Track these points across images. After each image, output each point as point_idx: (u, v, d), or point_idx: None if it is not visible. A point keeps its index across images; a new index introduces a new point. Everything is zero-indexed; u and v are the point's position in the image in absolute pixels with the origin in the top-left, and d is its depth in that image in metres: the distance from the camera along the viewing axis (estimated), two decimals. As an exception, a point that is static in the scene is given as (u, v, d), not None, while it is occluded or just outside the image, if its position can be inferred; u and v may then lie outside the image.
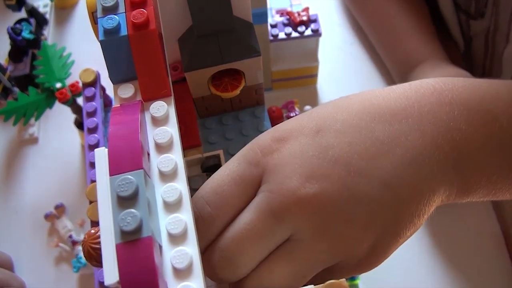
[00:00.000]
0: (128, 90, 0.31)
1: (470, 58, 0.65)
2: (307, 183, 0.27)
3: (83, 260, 0.56)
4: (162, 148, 0.29)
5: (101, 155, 0.27)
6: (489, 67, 0.62)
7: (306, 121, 0.29)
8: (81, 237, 0.59)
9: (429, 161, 0.28)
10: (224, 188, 0.29)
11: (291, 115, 0.53)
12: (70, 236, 0.58)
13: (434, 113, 0.29)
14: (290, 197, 0.26)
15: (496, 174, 0.31)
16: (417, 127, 0.29)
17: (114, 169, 0.26)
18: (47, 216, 0.60)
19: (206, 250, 0.29)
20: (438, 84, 0.31)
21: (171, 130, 0.29)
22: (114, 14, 0.31)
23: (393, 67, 0.65)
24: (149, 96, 0.30)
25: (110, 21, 0.30)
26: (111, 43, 0.30)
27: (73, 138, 0.65)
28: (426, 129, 0.29)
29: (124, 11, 0.31)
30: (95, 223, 0.39)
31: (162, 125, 0.30)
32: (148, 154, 0.29)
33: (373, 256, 0.28)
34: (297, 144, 0.28)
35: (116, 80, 0.32)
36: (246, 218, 0.28)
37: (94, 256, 0.32)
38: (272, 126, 0.49)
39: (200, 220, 0.28)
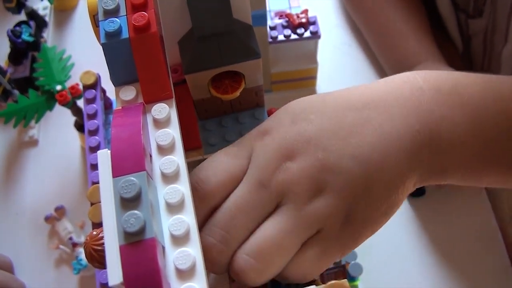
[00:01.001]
0: (129, 93, 0.31)
1: (469, 58, 0.65)
2: (287, 159, 0.31)
3: (84, 262, 0.57)
4: (164, 150, 0.29)
5: (104, 157, 0.27)
6: (487, 66, 0.62)
7: (284, 116, 0.33)
8: (82, 239, 0.59)
9: (398, 140, 0.31)
10: (217, 158, 0.33)
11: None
12: (71, 238, 0.59)
13: (404, 98, 0.32)
14: (274, 171, 0.31)
15: (472, 154, 0.33)
16: (386, 111, 0.32)
17: (117, 171, 0.26)
18: (47, 218, 0.60)
19: (202, 233, 0.30)
20: (412, 75, 0.34)
21: (173, 132, 0.29)
22: (116, 17, 0.31)
23: (390, 68, 0.65)
24: (151, 98, 0.31)
25: (111, 24, 0.30)
26: (112, 46, 0.30)
27: (73, 140, 0.65)
28: (395, 112, 0.32)
29: (125, 14, 0.31)
30: (96, 225, 0.39)
31: (164, 127, 0.30)
32: (150, 156, 0.29)
33: (351, 226, 0.31)
34: (277, 132, 0.32)
35: (118, 82, 0.32)
36: (237, 191, 0.31)
37: (96, 258, 0.32)
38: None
39: (196, 184, 0.31)
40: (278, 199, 0.30)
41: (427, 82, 0.33)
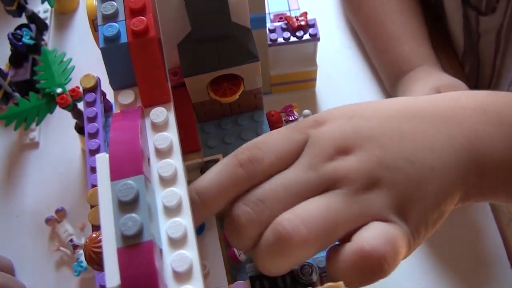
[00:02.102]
0: (128, 97, 0.31)
1: (475, 57, 0.65)
2: (342, 153, 0.31)
3: (84, 264, 0.57)
4: (162, 153, 0.30)
5: (102, 160, 0.28)
6: (500, 64, 0.61)
7: (341, 110, 0.34)
8: (82, 241, 0.59)
9: (444, 153, 0.31)
10: (271, 137, 0.32)
11: (290, 119, 0.53)
12: (71, 240, 0.59)
13: (448, 114, 0.33)
14: (327, 160, 0.31)
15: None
16: (433, 125, 0.32)
17: (115, 175, 0.26)
18: (48, 220, 0.60)
19: (235, 204, 0.30)
20: (456, 93, 0.35)
21: (171, 136, 0.30)
22: (114, 22, 0.31)
23: (385, 72, 0.65)
24: (149, 102, 0.31)
25: (110, 29, 0.31)
26: (111, 50, 0.31)
27: (74, 143, 0.65)
28: (441, 128, 0.32)
29: (124, 18, 0.31)
30: (96, 227, 0.40)
31: (162, 130, 0.30)
32: (148, 159, 0.29)
33: (404, 223, 0.30)
34: (335, 124, 0.33)
35: (117, 86, 0.32)
36: (283, 173, 0.31)
37: (96, 260, 0.33)
38: (271, 130, 0.50)
39: (248, 160, 0.31)
40: (326, 184, 0.30)
41: (467, 100, 0.34)
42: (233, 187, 0.30)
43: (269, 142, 0.32)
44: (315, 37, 0.60)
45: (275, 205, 0.29)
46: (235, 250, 0.31)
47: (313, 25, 0.60)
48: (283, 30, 0.61)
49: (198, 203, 0.30)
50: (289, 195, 0.30)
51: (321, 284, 0.39)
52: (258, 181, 0.31)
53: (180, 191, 0.28)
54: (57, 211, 0.61)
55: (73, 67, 0.62)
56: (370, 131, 0.32)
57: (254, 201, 0.30)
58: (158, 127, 0.30)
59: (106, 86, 0.51)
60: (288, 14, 0.67)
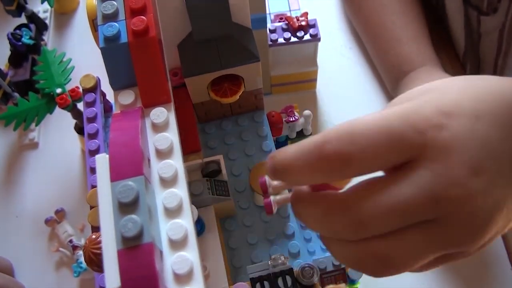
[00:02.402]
0: (128, 97, 0.31)
1: (476, 57, 0.65)
2: (474, 177, 0.26)
3: (84, 264, 0.57)
4: (163, 154, 0.29)
5: (102, 161, 0.27)
6: (502, 64, 0.61)
7: (467, 100, 0.28)
8: (82, 241, 0.59)
9: None
10: (374, 127, 0.25)
11: (291, 119, 0.53)
12: (71, 241, 0.59)
13: None
14: (457, 188, 0.25)
15: None
16: None
17: (115, 175, 0.26)
18: (48, 221, 0.60)
19: (329, 210, 0.26)
20: None
21: (171, 136, 0.30)
22: (114, 22, 0.31)
23: (386, 72, 0.65)
24: (149, 102, 0.31)
25: (110, 29, 0.31)
26: (111, 50, 0.31)
27: (73, 143, 0.65)
28: None
29: (124, 18, 0.31)
30: (95, 229, 0.39)
31: (162, 131, 0.30)
32: (149, 160, 0.29)
33: (486, 245, 0.29)
34: (462, 127, 0.27)
35: (117, 86, 0.32)
36: (402, 190, 0.25)
37: (95, 262, 0.32)
38: (271, 130, 0.50)
39: (333, 154, 0.25)
40: (440, 216, 0.26)
41: None
42: (309, 176, 0.26)
43: (368, 136, 0.25)
44: (315, 38, 0.60)
45: (373, 230, 0.26)
46: (272, 200, 0.28)
47: (313, 26, 0.60)
48: (284, 30, 0.60)
49: (276, 173, 0.26)
50: (395, 222, 0.25)
51: (322, 285, 0.39)
52: (337, 179, 0.26)
53: (180, 192, 0.28)
54: (57, 212, 0.61)
55: (73, 67, 0.61)
56: (494, 146, 0.27)
57: (353, 217, 0.26)
58: (158, 128, 0.30)
59: (106, 86, 0.51)
60: (288, 14, 0.67)
